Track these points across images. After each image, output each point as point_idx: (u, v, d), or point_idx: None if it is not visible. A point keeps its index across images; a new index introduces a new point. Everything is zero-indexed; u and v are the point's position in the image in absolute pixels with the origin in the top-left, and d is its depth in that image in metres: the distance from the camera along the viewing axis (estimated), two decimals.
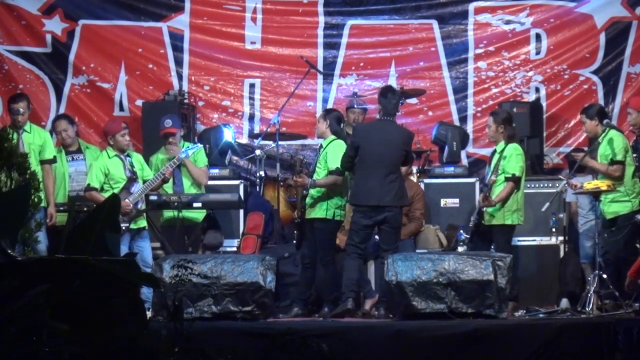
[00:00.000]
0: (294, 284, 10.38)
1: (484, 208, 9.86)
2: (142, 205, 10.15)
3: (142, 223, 10.18)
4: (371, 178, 9.64)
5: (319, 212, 9.94)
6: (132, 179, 10.16)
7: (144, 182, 10.19)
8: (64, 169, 10.73)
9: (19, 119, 10.10)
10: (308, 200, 9.94)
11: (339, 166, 9.91)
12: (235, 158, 12.23)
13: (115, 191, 9.92)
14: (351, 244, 9.65)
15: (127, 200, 9.94)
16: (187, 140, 11.27)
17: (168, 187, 10.58)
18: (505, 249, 9.65)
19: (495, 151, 10.10)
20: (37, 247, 7.34)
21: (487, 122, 10.29)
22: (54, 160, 10.24)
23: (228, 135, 12.03)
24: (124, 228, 9.84)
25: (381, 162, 9.71)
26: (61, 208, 10.27)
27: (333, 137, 10.16)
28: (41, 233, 8.73)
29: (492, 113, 10.39)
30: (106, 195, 9.75)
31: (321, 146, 10.23)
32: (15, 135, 9.73)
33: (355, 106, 11.88)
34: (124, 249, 9.47)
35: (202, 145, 10.93)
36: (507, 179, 9.87)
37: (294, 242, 10.33)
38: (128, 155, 10.27)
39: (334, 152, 10.05)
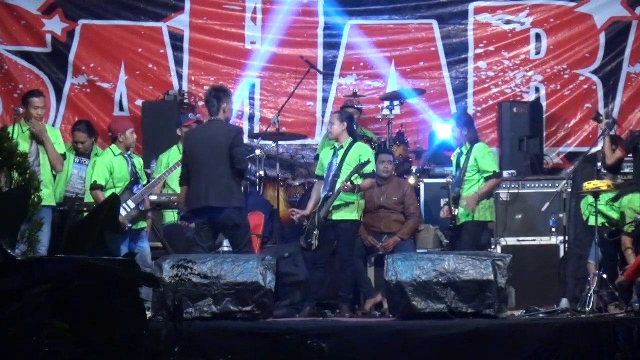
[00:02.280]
0: (294, 284, 10.38)
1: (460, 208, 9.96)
2: (144, 206, 10.13)
3: (143, 224, 10.17)
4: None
5: (351, 214, 9.94)
6: (135, 179, 10.14)
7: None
8: (69, 170, 10.70)
9: (39, 112, 10.00)
10: (337, 202, 9.91)
11: (374, 169, 10.01)
12: None
13: (117, 190, 9.90)
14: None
15: (129, 201, 9.92)
16: None
17: (178, 187, 10.55)
18: (473, 245, 9.78)
19: (461, 153, 10.15)
20: (37, 247, 7.34)
21: (450, 128, 10.35)
22: (63, 156, 10.17)
23: None
24: (126, 229, 9.85)
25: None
26: (61, 208, 10.24)
27: (351, 138, 10.16)
28: (42, 233, 8.71)
29: (453, 117, 10.42)
30: (108, 194, 9.73)
31: (341, 147, 10.15)
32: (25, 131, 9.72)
33: (355, 106, 11.88)
34: (123, 250, 9.47)
35: None
36: (487, 178, 10.02)
37: (309, 241, 10.19)
38: (130, 156, 10.26)
39: (367, 156, 10.04)
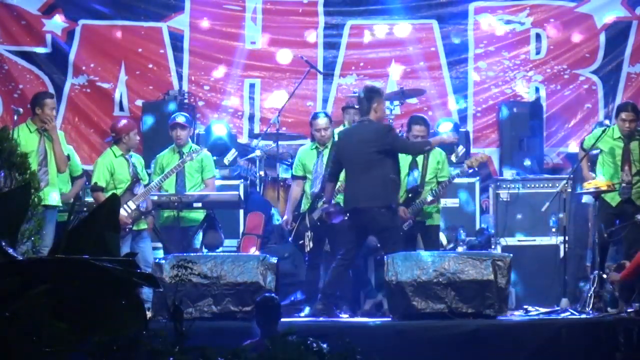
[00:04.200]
0: (294, 284, 10.38)
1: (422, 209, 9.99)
2: (145, 207, 10.12)
3: (143, 225, 10.17)
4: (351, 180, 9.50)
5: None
6: (136, 180, 10.13)
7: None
8: None
9: (54, 112, 10.02)
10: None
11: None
12: (240, 160, 12.10)
13: (118, 191, 9.90)
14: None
15: (130, 202, 9.92)
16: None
17: (170, 188, 10.52)
18: (435, 247, 9.91)
19: None
20: (39, 247, 7.34)
21: (417, 129, 10.24)
22: (67, 158, 10.13)
23: (219, 130, 11.99)
24: (127, 230, 9.85)
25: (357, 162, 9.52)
26: (61, 208, 10.22)
27: (332, 138, 10.18)
28: (46, 233, 8.73)
29: (421, 121, 10.36)
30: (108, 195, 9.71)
31: (325, 147, 10.15)
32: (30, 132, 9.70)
33: (355, 106, 11.86)
34: (125, 250, 9.47)
35: (206, 149, 10.82)
36: (441, 183, 10.16)
37: (301, 242, 10.16)
38: (131, 157, 10.25)
39: None
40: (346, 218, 9.51)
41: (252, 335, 7.65)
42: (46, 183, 9.41)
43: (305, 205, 10.24)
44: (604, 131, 9.96)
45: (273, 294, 8.19)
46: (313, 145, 10.32)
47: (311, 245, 10.02)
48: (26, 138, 9.41)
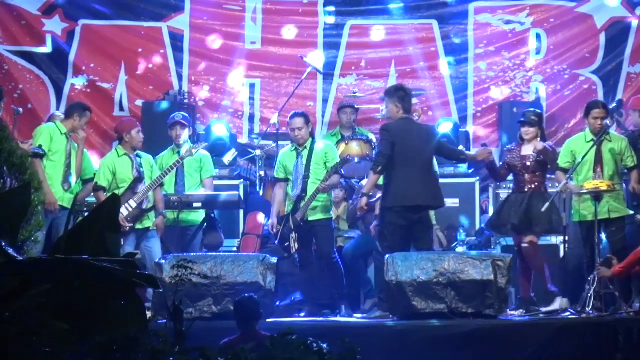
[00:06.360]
0: (294, 284, 10.38)
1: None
2: (147, 205, 10.12)
3: (148, 223, 10.15)
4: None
5: (325, 213, 9.96)
6: (138, 179, 10.12)
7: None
8: None
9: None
10: (316, 203, 9.91)
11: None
12: (240, 160, 12.09)
13: (121, 191, 9.91)
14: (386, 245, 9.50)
15: (131, 201, 9.93)
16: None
17: (170, 187, 10.53)
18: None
19: None
20: (37, 247, 7.34)
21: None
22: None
23: (219, 130, 11.99)
24: (128, 228, 9.85)
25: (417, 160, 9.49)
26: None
27: (311, 138, 10.18)
28: (41, 233, 8.73)
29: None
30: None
31: (304, 148, 10.12)
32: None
33: (354, 106, 11.84)
34: (130, 249, 9.47)
35: (205, 144, 10.85)
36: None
37: (287, 244, 10.15)
38: (137, 156, 10.24)
39: (333, 151, 10.08)
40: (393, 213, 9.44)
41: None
42: (69, 185, 9.73)
43: (287, 207, 10.18)
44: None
45: (252, 294, 8.17)
46: (293, 147, 10.25)
47: (296, 246, 10.00)
48: (57, 138, 9.80)
